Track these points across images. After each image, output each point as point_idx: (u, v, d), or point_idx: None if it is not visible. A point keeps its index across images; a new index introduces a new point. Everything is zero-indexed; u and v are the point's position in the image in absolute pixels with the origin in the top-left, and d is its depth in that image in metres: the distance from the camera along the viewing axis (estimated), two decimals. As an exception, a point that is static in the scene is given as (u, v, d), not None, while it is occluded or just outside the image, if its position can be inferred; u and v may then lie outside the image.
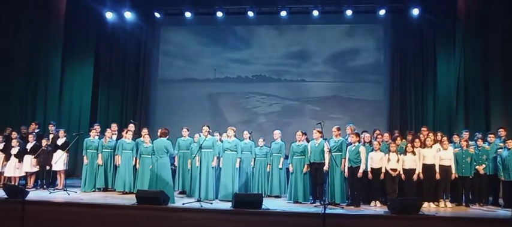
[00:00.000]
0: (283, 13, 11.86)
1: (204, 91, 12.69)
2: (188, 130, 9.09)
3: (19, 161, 9.29)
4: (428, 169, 7.77)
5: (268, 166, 8.87)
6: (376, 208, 7.56)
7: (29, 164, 9.27)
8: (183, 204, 7.23)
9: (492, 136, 8.44)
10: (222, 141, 8.65)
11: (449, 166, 7.81)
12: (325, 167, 7.71)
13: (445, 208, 7.66)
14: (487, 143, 8.30)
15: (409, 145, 7.92)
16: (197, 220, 6.69)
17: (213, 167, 8.13)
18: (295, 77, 12.44)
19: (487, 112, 10.33)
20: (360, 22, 12.15)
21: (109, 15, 12.25)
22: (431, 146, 7.87)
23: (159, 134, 7.98)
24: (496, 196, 8.21)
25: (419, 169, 7.76)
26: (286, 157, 8.75)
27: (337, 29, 12.37)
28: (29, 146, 9.38)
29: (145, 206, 6.82)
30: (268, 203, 7.18)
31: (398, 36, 12.02)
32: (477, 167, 7.94)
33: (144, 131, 9.07)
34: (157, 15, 12.44)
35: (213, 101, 12.68)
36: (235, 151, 8.26)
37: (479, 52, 10.61)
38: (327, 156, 7.73)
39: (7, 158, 9.37)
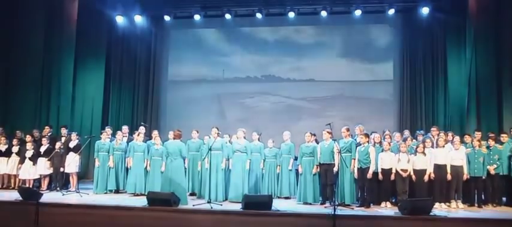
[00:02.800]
0: (292, 14, 11.86)
1: (214, 92, 12.76)
2: (198, 132, 9.12)
3: (33, 164, 9.45)
4: (439, 169, 7.69)
5: (278, 167, 8.87)
6: (387, 208, 7.53)
7: (43, 166, 9.43)
8: (193, 206, 7.29)
9: (505, 135, 8.32)
10: (231, 143, 8.70)
11: (461, 166, 7.72)
12: (335, 168, 7.71)
13: (456, 208, 7.59)
14: (500, 143, 8.19)
15: (420, 145, 7.86)
16: (207, 222, 6.78)
17: (222, 169, 8.18)
18: (304, 76, 12.45)
19: (500, 112, 10.16)
20: (369, 22, 12.09)
21: (119, 20, 12.40)
22: (443, 146, 7.80)
23: (173, 136, 8.07)
24: (509, 196, 8.09)
25: (430, 170, 7.70)
26: (296, 158, 8.76)
27: (346, 29, 12.34)
28: (42, 149, 9.54)
29: (156, 207, 6.93)
30: (278, 205, 7.22)
31: (408, 36, 11.93)
32: (488, 167, 7.84)
33: (155, 133, 9.15)
34: (167, 18, 12.53)
35: (223, 102, 12.74)
36: (245, 153, 8.30)
37: (490, 51, 10.45)
38: (336, 157, 7.72)
39: (22, 161, 9.54)
